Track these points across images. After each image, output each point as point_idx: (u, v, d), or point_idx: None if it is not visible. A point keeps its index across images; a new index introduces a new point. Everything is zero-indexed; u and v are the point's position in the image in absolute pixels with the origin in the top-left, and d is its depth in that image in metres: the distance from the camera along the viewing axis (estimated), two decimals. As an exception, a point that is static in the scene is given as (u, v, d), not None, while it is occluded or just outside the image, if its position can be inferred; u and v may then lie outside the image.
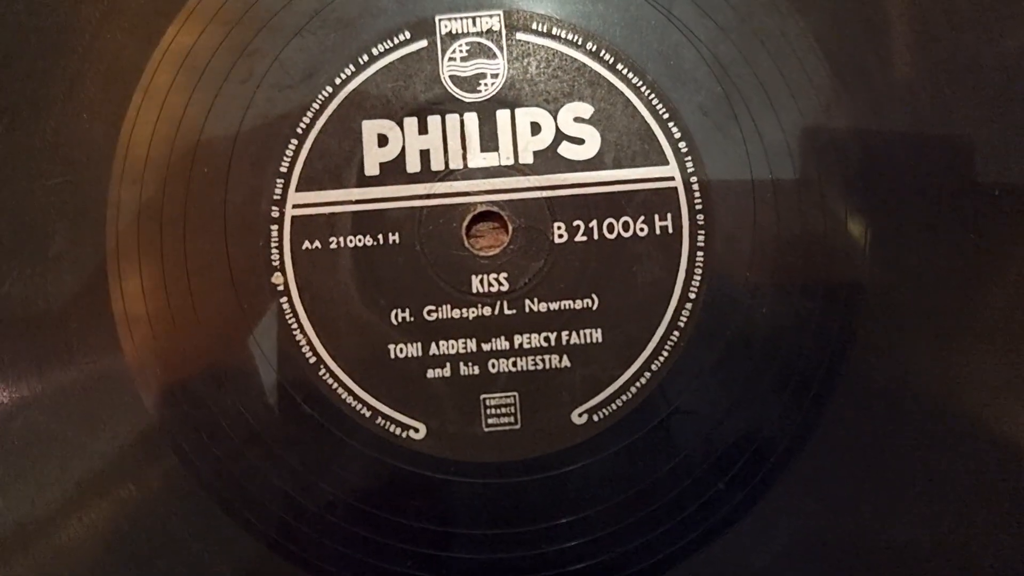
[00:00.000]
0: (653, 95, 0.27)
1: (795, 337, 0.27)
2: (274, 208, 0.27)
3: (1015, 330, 0.27)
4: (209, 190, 0.27)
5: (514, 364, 0.27)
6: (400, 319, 0.27)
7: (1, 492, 0.27)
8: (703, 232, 0.27)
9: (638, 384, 0.27)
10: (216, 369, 0.27)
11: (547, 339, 0.27)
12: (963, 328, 0.27)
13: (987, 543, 0.27)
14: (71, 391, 0.27)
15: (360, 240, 0.27)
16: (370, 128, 0.27)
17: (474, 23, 0.28)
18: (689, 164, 0.27)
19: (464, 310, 0.27)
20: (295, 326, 0.27)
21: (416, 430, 0.27)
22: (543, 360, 0.27)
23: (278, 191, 0.27)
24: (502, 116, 0.27)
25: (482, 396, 0.27)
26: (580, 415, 0.27)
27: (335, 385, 0.27)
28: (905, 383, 0.27)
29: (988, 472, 0.27)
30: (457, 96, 0.27)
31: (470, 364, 0.27)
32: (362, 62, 0.28)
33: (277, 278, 0.27)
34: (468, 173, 0.27)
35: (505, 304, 0.27)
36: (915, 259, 0.27)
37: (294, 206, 0.27)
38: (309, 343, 0.27)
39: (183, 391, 0.27)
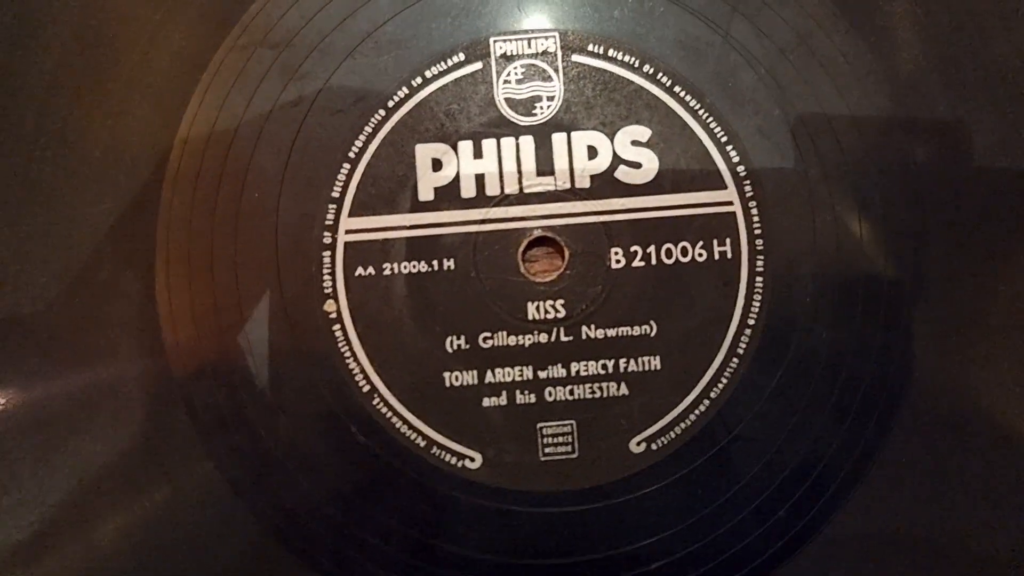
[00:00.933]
0: (711, 118, 0.27)
1: (856, 362, 0.27)
2: (326, 234, 0.27)
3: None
4: (260, 216, 0.27)
5: (571, 392, 0.27)
6: (455, 346, 0.27)
7: (32, 489, 0.27)
8: (762, 257, 0.27)
9: (697, 412, 0.27)
10: (268, 397, 0.27)
11: (604, 367, 0.27)
12: None
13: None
14: (115, 398, 0.27)
15: (414, 266, 0.27)
16: (424, 152, 0.27)
17: (529, 44, 0.27)
18: (747, 188, 0.27)
19: (520, 337, 0.27)
20: (348, 354, 0.27)
21: (472, 459, 0.27)
22: (601, 388, 0.27)
23: (330, 216, 0.27)
24: (558, 139, 0.27)
25: (539, 425, 0.27)
26: (638, 444, 0.26)
27: (389, 414, 0.27)
28: (969, 408, 0.27)
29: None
30: (512, 119, 0.27)
31: (527, 392, 0.27)
32: (415, 84, 0.27)
33: (330, 305, 0.27)
34: (524, 198, 0.27)
35: (562, 331, 0.27)
36: (981, 283, 0.27)
37: (347, 232, 0.27)
38: (363, 371, 0.27)
39: (234, 419, 0.27)
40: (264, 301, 0.27)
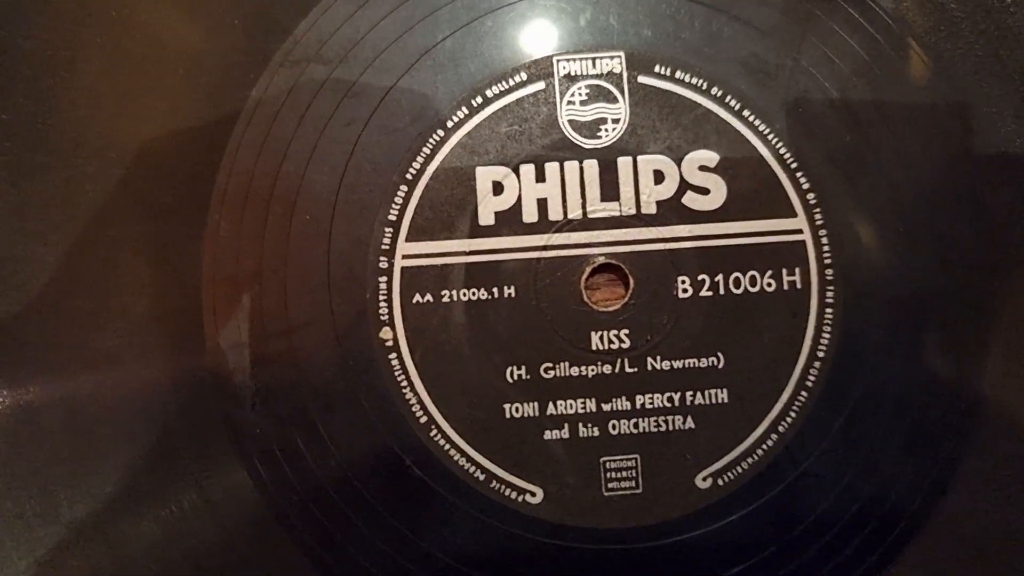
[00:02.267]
0: (780, 143, 0.26)
1: (926, 397, 0.26)
2: (382, 259, 0.26)
3: None
4: (312, 239, 0.26)
5: (635, 425, 0.26)
6: (516, 377, 0.26)
7: (72, 487, 0.26)
8: (832, 288, 0.26)
9: (765, 446, 0.26)
10: (319, 428, 0.26)
11: (670, 399, 0.26)
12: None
13: None
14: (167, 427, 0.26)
15: (473, 293, 0.26)
16: (484, 175, 0.26)
17: (594, 64, 0.26)
18: (818, 216, 0.26)
19: (583, 368, 0.26)
20: (404, 384, 0.26)
21: (533, 494, 0.26)
22: (666, 421, 0.26)
23: (386, 241, 0.26)
24: (623, 163, 0.26)
25: (602, 459, 0.26)
26: (704, 479, 0.26)
27: (447, 446, 0.26)
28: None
29: None
30: (576, 142, 0.26)
31: (589, 425, 0.26)
32: (475, 104, 0.26)
33: (386, 333, 0.26)
34: (587, 224, 0.26)
35: (626, 362, 0.26)
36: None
37: (403, 256, 0.26)
38: (420, 402, 0.26)
39: (283, 450, 0.26)
40: (316, 328, 0.26)
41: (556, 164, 0.26)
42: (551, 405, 0.26)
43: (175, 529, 0.26)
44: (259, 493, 0.26)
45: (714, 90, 0.26)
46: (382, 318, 0.26)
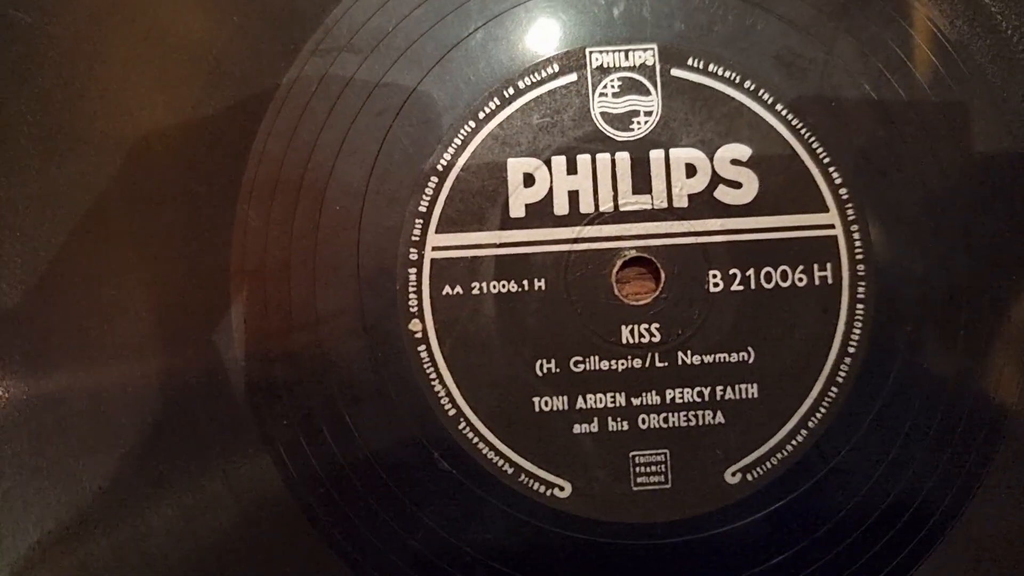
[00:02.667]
0: (813, 138, 0.26)
1: (958, 394, 0.26)
2: (412, 250, 0.26)
3: None
4: (341, 229, 0.26)
5: (665, 420, 0.26)
6: (545, 370, 0.26)
7: (98, 475, 0.26)
8: (863, 283, 0.26)
9: (795, 442, 0.26)
10: (346, 419, 0.25)
11: (701, 394, 0.26)
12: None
13: None
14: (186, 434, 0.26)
15: (503, 286, 0.26)
16: (516, 167, 0.26)
17: (627, 57, 0.26)
18: (850, 211, 0.26)
19: (613, 362, 0.26)
20: (433, 376, 0.26)
21: (561, 488, 0.25)
22: (696, 416, 0.26)
23: (417, 232, 0.26)
24: (655, 156, 0.26)
25: (631, 453, 0.26)
26: (734, 474, 0.26)
27: (475, 439, 0.26)
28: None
29: None
30: (608, 134, 0.26)
31: (619, 419, 0.26)
32: (507, 95, 0.26)
33: (415, 325, 0.26)
34: (619, 216, 0.26)
35: (657, 356, 0.26)
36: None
37: (434, 248, 0.26)
38: (448, 394, 0.26)
39: (309, 441, 0.26)
40: (344, 319, 0.26)
41: (588, 156, 0.26)
42: (580, 399, 0.26)
43: (199, 518, 0.26)
44: (284, 483, 0.26)
45: (747, 84, 0.26)
46: (411, 310, 0.26)
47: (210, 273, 0.26)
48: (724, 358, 0.26)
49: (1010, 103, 0.26)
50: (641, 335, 0.26)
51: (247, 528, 0.26)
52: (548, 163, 0.26)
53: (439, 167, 0.26)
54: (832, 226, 0.26)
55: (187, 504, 0.26)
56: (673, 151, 0.26)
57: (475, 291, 0.26)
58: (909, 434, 0.26)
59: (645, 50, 0.26)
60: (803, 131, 0.26)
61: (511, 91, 0.26)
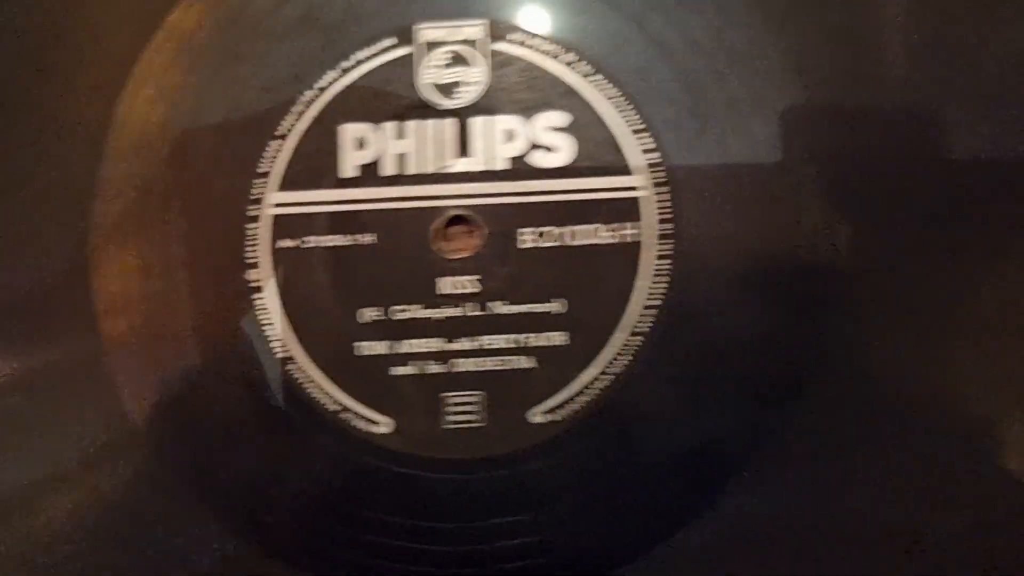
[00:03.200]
0: (626, 107, 0.28)
1: (760, 344, 0.28)
2: (252, 207, 0.28)
3: (993, 332, 0.27)
4: (193, 185, 0.29)
5: (478, 364, 0.28)
6: (368, 318, 0.28)
7: None
8: (670, 241, 0.28)
9: (599, 387, 0.28)
10: (191, 361, 0.28)
11: (514, 340, 0.28)
12: (937, 332, 0.27)
13: (944, 539, 0.27)
14: (49, 375, 0.28)
15: (335, 240, 0.28)
16: (349, 132, 0.28)
17: (455, 31, 0.28)
18: (658, 174, 0.28)
19: (432, 311, 0.28)
20: (267, 321, 0.28)
21: (379, 424, 0.28)
22: (507, 361, 0.28)
23: (259, 190, 0.28)
24: (478, 123, 0.28)
25: (445, 394, 0.28)
26: (541, 415, 0.27)
27: (302, 380, 0.28)
28: (875, 390, 0.27)
29: (950, 470, 0.27)
30: (436, 103, 0.28)
31: (435, 362, 0.28)
32: (345, 68, 0.29)
33: (253, 274, 0.28)
34: (443, 177, 0.28)
35: (472, 306, 0.28)
36: (886, 263, 0.27)
37: (274, 205, 0.28)
38: (280, 338, 0.28)
39: (159, 381, 0.28)
40: (192, 269, 0.28)
41: (414, 123, 0.28)
42: (400, 344, 0.28)
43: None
44: (141, 427, 0.28)
45: (568, 56, 0.28)
46: (250, 260, 0.28)
47: (68, 232, 0.29)
48: (535, 308, 0.28)
49: (814, 70, 0.28)
50: (456, 287, 0.28)
51: (95, 459, 0.28)
52: (380, 128, 0.28)
53: (280, 131, 0.28)
54: (639, 187, 0.28)
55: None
56: (495, 118, 0.28)
57: (310, 244, 0.28)
58: (714, 381, 0.28)
59: (473, 26, 0.29)
60: (617, 100, 0.28)
61: (348, 63, 0.29)
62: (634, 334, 0.28)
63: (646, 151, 0.28)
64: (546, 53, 0.28)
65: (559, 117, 0.28)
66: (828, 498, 0.27)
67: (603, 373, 0.28)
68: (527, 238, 0.28)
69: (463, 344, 0.28)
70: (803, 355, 0.28)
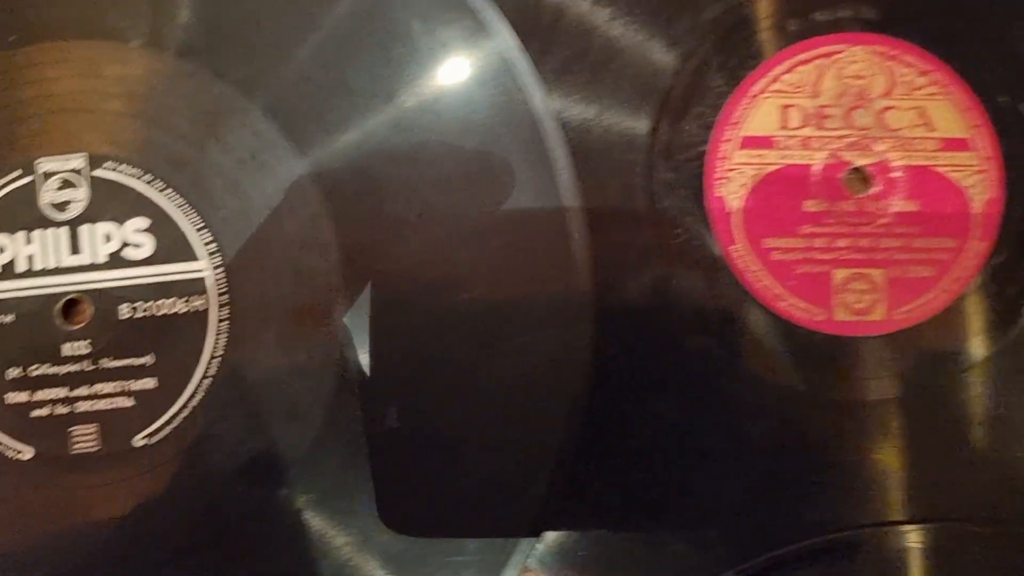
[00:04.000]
0: (191, 210, 0.39)
1: (295, 377, 0.39)
2: (-76, 299, 0.39)
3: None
4: None
5: (93, 405, 0.39)
6: (14, 375, 0.39)
7: None
8: (227, 306, 0.39)
9: (182, 416, 0.39)
10: None
11: (119, 386, 0.39)
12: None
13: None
14: None
15: (-14, 320, 0.39)
16: (-7, 240, 0.39)
17: (64, 163, 0.39)
18: (215, 259, 0.39)
19: (58, 367, 0.39)
20: (-58, 383, 0.39)
21: (24, 452, 0.39)
22: (115, 401, 0.39)
23: (-72, 286, 0.39)
24: (84, 229, 0.39)
25: (72, 428, 0.39)
26: (141, 439, 0.39)
27: (-29, 425, 0.39)
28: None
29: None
30: (52, 217, 0.39)
31: (63, 405, 0.39)
32: (-18, 192, 0.39)
33: (-73, 349, 0.39)
34: (61, 271, 0.39)
35: (88, 363, 0.39)
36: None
37: (-61, 297, 0.39)
38: (-49, 394, 0.39)
39: None
40: None
41: (38, 231, 0.39)
42: (36, 393, 0.39)
43: None
44: None
45: (146, 177, 0.39)
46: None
47: None
48: (133, 362, 0.39)
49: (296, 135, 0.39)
50: (75, 349, 0.39)
51: None
52: (13, 237, 0.39)
53: (-58, 243, 0.39)
54: (203, 270, 0.39)
55: None
56: (96, 225, 0.39)
57: (-31, 325, 0.39)
58: (259, 408, 0.39)
59: (78, 158, 0.39)
60: (183, 207, 0.39)
61: (-10, 189, 0.39)
62: (205, 377, 0.39)
63: (206, 243, 0.39)
64: (131, 175, 0.39)
65: (143, 221, 0.39)
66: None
67: (183, 407, 0.39)
68: (125, 311, 0.39)
69: (82, 391, 0.39)
70: (334, 386, 0.39)
